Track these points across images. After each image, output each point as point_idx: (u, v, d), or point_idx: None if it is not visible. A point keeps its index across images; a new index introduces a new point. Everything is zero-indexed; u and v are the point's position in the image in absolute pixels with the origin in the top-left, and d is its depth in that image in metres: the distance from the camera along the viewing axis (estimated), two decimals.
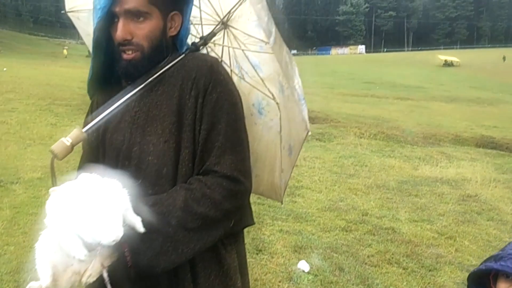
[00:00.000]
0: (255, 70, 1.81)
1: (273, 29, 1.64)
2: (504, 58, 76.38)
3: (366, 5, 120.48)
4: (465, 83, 53.47)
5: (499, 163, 9.10)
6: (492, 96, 39.68)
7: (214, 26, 1.80)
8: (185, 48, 1.60)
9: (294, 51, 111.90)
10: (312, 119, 18.95)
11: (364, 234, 5.30)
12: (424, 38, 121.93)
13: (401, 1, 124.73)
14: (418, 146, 11.72)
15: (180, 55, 1.51)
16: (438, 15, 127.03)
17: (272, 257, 4.46)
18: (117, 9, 1.37)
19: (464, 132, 17.76)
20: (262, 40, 1.69)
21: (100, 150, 1.54)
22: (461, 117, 22.81)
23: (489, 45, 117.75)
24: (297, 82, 1.86)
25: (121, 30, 1.38)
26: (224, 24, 1.80)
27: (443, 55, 79.58)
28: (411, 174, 7.69)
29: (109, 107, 1.42)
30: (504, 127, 19.75)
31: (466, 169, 8.14)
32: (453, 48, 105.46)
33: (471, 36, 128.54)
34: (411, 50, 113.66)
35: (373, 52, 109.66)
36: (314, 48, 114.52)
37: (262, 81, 1.80)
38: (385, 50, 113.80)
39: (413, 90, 42.83)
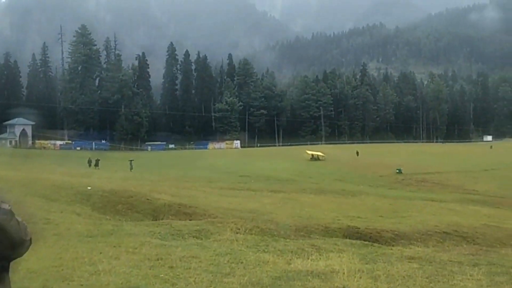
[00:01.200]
0: None
1: None
2: (357, 153, 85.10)
3: (240, 103, 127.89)
4: (330, 176, 57.95)
5: (363, 253, 9.72)
6: (354, 188, 43.33)
7: None
8: None
9: (172, 145, 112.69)
10: (189, 215, 18.82)
11: None
12: (293, 134, 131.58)
13: (271, 101, 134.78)
14: (291, 239, 12.13)
15: None
16: (304, 114, 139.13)
17: None
18: None
19: (332, 223, 18.88)
20: None
21: None
22: (329, 208, 24.28)
23: (348, 141, 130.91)
24: None
25: None
26: None
27: (310, 150, 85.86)
28: (285, 268, 7.84)
29: None
30: (366, 217, 21.41)
31: (334, 261, 8.55)
32: (318, 144, 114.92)
33: (333, 133, 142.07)
34: (282, 145, 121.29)
35: (248, 147, 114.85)
36: (192, 142, 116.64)
37: None
38: (258, 145, 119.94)
39: (285, 183, 45.14)
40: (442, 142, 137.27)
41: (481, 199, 43.64)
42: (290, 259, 8.69)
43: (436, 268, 8.04)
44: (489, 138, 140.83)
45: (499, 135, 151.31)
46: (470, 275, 7.42)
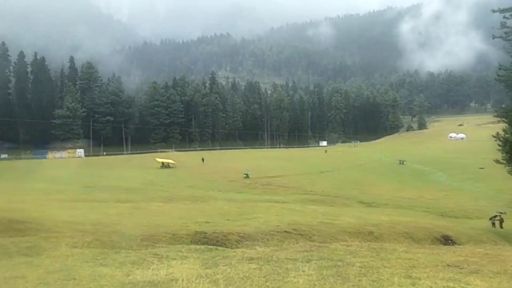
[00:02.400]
0: None
1: None
2: (202, 160, 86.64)
3: (83, 109, 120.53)
4: (180, 183, 57.78)
5: (206, 258, 9.76)
6: (204, 194, 43.78)
7: None
8: None
9: (5, 155, 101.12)
10: (22, 231, 16.92)
11: None
12: (142, 142, 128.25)
13: (118, 107, 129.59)
14: (134, 250, 11.66)
15: None
16: (154, 121, 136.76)
17: None
18: None
19: (180, 230, 18.72)
20: None
21: None
22: (178, 215, 24.06)
23: (199, 148, 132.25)
24: None
25: None
26: None
27: (160, 158, 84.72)
28: (122, 281, 7.46)
29: None
30: (214, 221, 21.70)
31: (176, 269, 8.41)
32: (169, 151, 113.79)
33: (184, 140, 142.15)
34: (131, 153, 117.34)
35: (93, 155, 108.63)
36: (29, 151, 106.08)
37: None
38: (105, 153, 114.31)
39: (133, 192, 43.59)
40: (286, 148, 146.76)
41: (318, 199, 47.62)
42: (129, 271, 8.30)
43: (273, 267, 8.40)
44: (324, 143, 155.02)
45: (332, 140, 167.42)
46: (303, 271, 7.91)
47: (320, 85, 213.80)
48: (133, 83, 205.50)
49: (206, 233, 18.54)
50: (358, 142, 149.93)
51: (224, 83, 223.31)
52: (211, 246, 13.15)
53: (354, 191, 58.10)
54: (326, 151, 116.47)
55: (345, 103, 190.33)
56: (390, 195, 56.13)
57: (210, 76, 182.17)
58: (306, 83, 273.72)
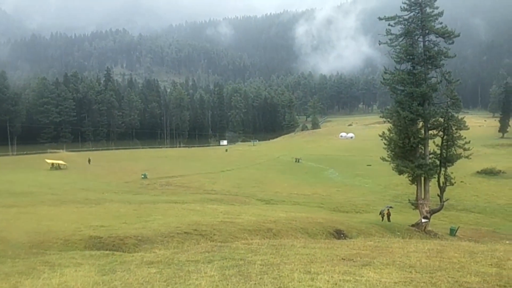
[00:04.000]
0: None
1: None
2: (89, 161, 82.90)
3: None
4: (73, 185, 54.50)
5: (102, 264, 9.28)
6: (98, 196, 41.77)
7: None
8: None
9: None
10: None
11: None
12: (30, 141, 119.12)
13: (2, 104, 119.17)
14: (21, 258, 10.73)
15: None
16: (43, 119, 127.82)
17: None
18: None
19: (73, 235, 17.65)
20: None
21: None
22: (70, 220, 22.63)
23: (93, 148, 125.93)
24: None
25: None
26: None
27: (50, 159, 79.44)
28: None
29: None
30: (110, 225, 20.74)
31: (69, 277, 7.87)
32: (60, 151, 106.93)
33: (76, 139, 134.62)
34: (17, 154, 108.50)
35: None
36: None
37: None
38: None
39: (20, 196, 40.30)
40: (188, 147, 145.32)
41: (218, 198, 47.85)
42: (17, 282, 7.62)
43: (174, 270, 8.21)
44: (225, 142, 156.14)
45: (232, 139, 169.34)
46: (205, 273, 7.82)
47: (220, 84, 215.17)
48: (20, 78, 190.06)
49: (102, 237, 17.70)
50: (257, 141, 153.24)
51: (120, 80, 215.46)
52: (107, 251, 12.57)
53: (254, 189, 59.29)
54: (226, 150, 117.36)
55: (244, 102, 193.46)
56: (288, 192, 58.14)
57: (105, 72, 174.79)
58: (206, 82, 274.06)
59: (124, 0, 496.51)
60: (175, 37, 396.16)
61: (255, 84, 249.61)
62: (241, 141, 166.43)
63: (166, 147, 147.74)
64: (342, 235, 25.00)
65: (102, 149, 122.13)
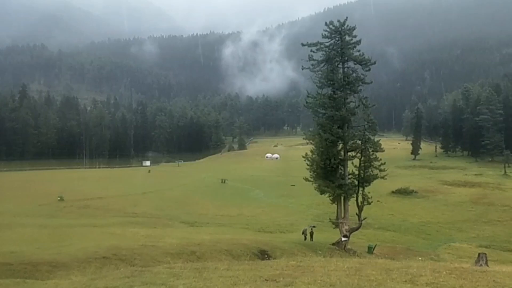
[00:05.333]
0: None
1: None
2: None
3: None
4: None
5: None
6: (10, 220, 38.97)
7: None
8: None
9: None
10: None
11: None
12: None
13: None
14: None
15: None
16: None
17: None
18: None
19: None
20: None
21: None
22: None
23: (5, 169, 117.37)
24: None
25: None
26: None
27: None
28: None
29: None
30: (22, 251, 19.40)
31: None
32: None
33: None
34: None
35: None
36: None
37: None
38: None
39: None
40: (112, 168, 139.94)
41: (140, 221, 46.47)
42: None
43: None
44: (148, 163, 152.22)
45: (156, 159, 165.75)
46: None
47: (143, 103, 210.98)
48: None
49: (12, 264, 16.49)
50: (182, 161, 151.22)
51: (37, 97, 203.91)
52: (18, 279, 11.71)
53: (178, 211, 58.25)
54: (149, 171, 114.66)
55: (169, 122, 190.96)
56: (213, 214, 57.76)
57: (21, 89, 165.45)
58: (129, 101, 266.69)
59: (43, 14, 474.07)
60: (97, 54, 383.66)
61: (181, 104, 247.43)
62: (166, 162, 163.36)
63: (85, 168, 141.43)
64: (266, 256, 25.17)
65: (15, 170, 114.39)
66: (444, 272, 10.43)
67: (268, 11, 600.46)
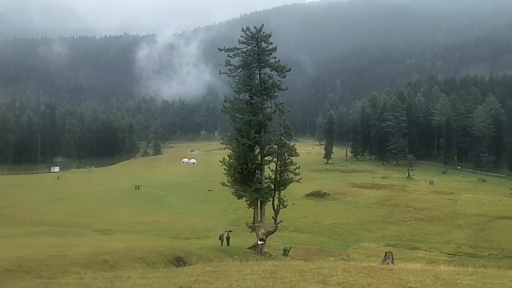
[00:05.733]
0: None
1: None
2: None
3: None
4: None
5: None
6: None
7: None
8: None
9: None
10: None
11: None
12: None
13: None
14: None
15: None
16: None
17: None
18: None
19: None
20: None
21: None
22: None
23: None
24: None
25: None
26: None
27: None
28: None
29: None
30: None
31: None
32: None
33: None
34: None
35: None
36: None
37: None
38: None
39: None
40: (18, 174, 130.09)
41: (48, 230, 43.79)
42: None
43: None
44: (57, 169, 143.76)
45: (66, 165, 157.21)
46: None
47: (52, 106, 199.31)
48: None
49: None
50: (94, 167, 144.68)
51: None
52: None
53: (89, 218, 55.72)
54: (58, 177, 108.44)
55: (80, 126, 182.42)
56: (126, 221, 55.92)
57: None
58: (36, 103, 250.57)
59: None
60: (2, 54, 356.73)
61: (92, 107, 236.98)
62: (76, 167, 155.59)
63: None
64: (182, 263, 24.77)
65: None
66: (354, 272, 10.92)
67: (184, 15, 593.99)
